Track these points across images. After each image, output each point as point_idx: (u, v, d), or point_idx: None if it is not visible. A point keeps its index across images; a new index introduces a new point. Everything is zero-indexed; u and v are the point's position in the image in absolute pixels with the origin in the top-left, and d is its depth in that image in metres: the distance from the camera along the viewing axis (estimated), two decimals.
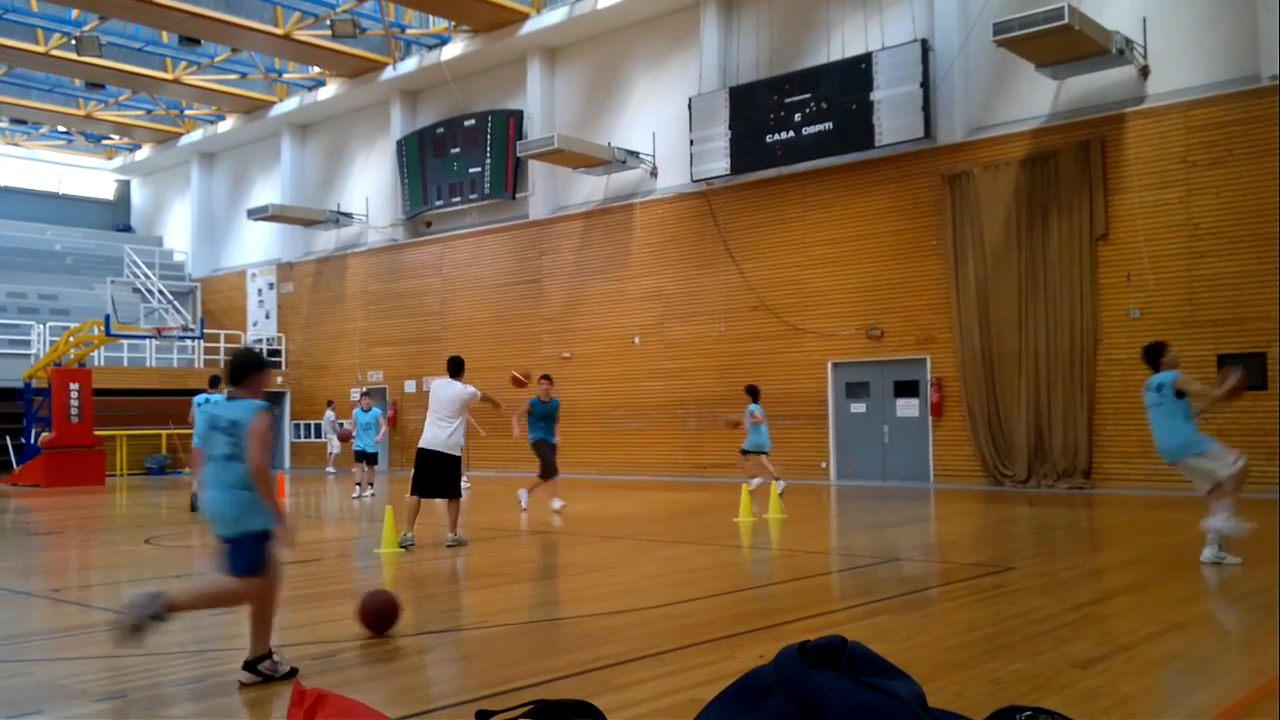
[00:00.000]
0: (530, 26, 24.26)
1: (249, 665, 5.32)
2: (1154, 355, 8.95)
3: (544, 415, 14.83)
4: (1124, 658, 5.46)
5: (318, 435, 29.37)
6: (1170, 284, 16.37)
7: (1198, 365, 16.04)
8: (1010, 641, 5.88)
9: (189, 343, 29.50)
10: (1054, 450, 17.22)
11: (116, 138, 35.32)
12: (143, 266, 31.08)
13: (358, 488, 18.51)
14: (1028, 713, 2.00)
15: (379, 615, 6.25)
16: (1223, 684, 4.90)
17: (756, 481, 15.47)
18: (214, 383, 18.00)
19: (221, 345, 30.89)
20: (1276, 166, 15.44)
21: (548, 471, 14.63)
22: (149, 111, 32.62)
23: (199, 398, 16.50)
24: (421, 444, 11.02)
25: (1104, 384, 16.91)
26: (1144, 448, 16.40)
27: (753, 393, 16.24)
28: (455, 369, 11.37)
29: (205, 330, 29.22)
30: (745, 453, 16.27)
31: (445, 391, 11.03)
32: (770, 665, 1.60)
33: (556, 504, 14.59)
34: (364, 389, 20.31)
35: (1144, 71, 16.80)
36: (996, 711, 2.21)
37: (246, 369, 5.58)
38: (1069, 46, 16.05)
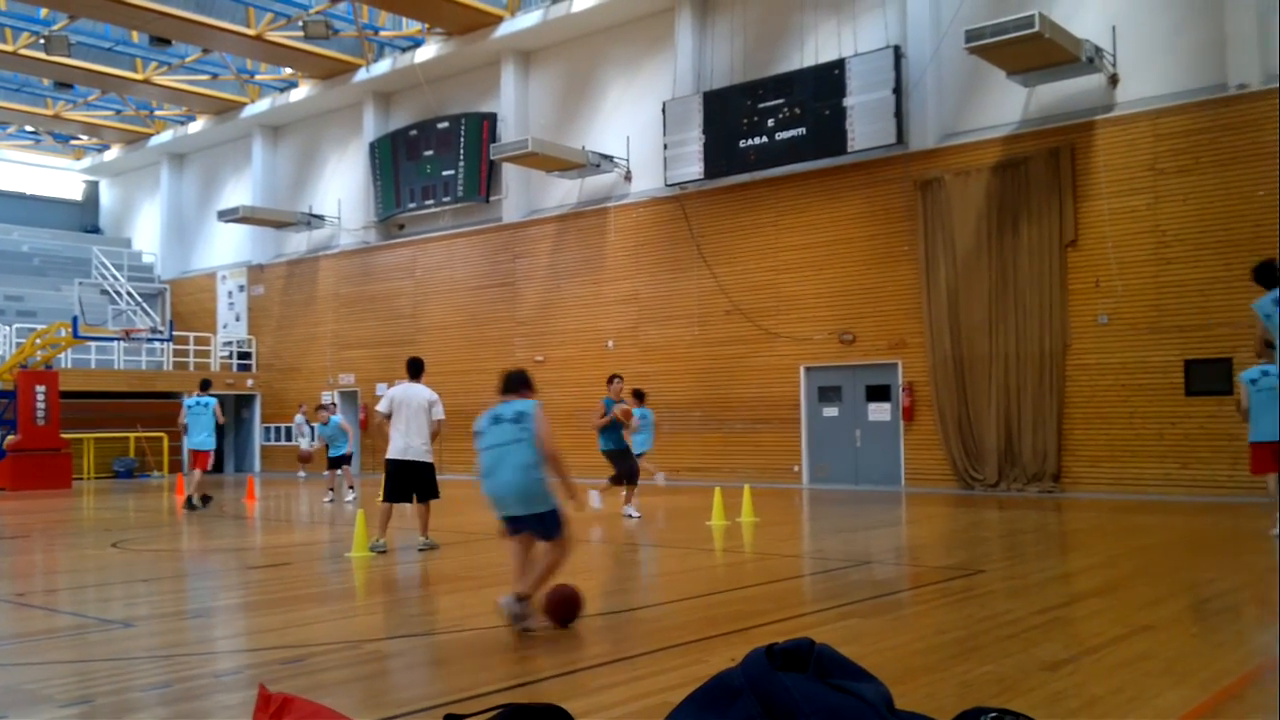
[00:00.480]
0: (504, 29, 24.23)
1: (517, 598, 6.37)
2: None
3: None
4: (1092, 659, 5.51)
5: (288, 438, 29.18)
6: (1138, 290, 16.55)
7: (1165, 370, 16.24)
8: (980, 644, 5.92)
9: (158, 345, 29.23)
10: (1024, 454, 17.35)
11: (85, 138, 34.97)
12: (111, 268, 30.81)
13: (330, 493, 18.39)
14: (993, 714, 2.01)
15: (564, 604, 6.54)
16: (1190, 684, 4.95)
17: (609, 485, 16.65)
18: (204, 386, 17.94)
19: (191, 348, 30.64)
20: (1242, 174, 15.65)
21: (624, 477, 14.15)
22: (118, 112, 32.32)
23: (189, 400, 16.50)
24: (392, 454, 10.81)
25: (1073, 389, 17.07)
26: (1112, 452, 16.63)
27: (639, 396, 17.35)
28: (416, 371, 11.18)
29: (174, 332, 28.97)
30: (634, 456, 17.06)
31: (412, 397, 10.86)
32: (739, 668, 1.61)
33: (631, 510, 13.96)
34: (319, 404, 20.09)
35: (1113, 80, 16.98)
36: (962, 713, 2.22)
37: (519, 383, 7.21)
38: (1039, 54, 16.20)
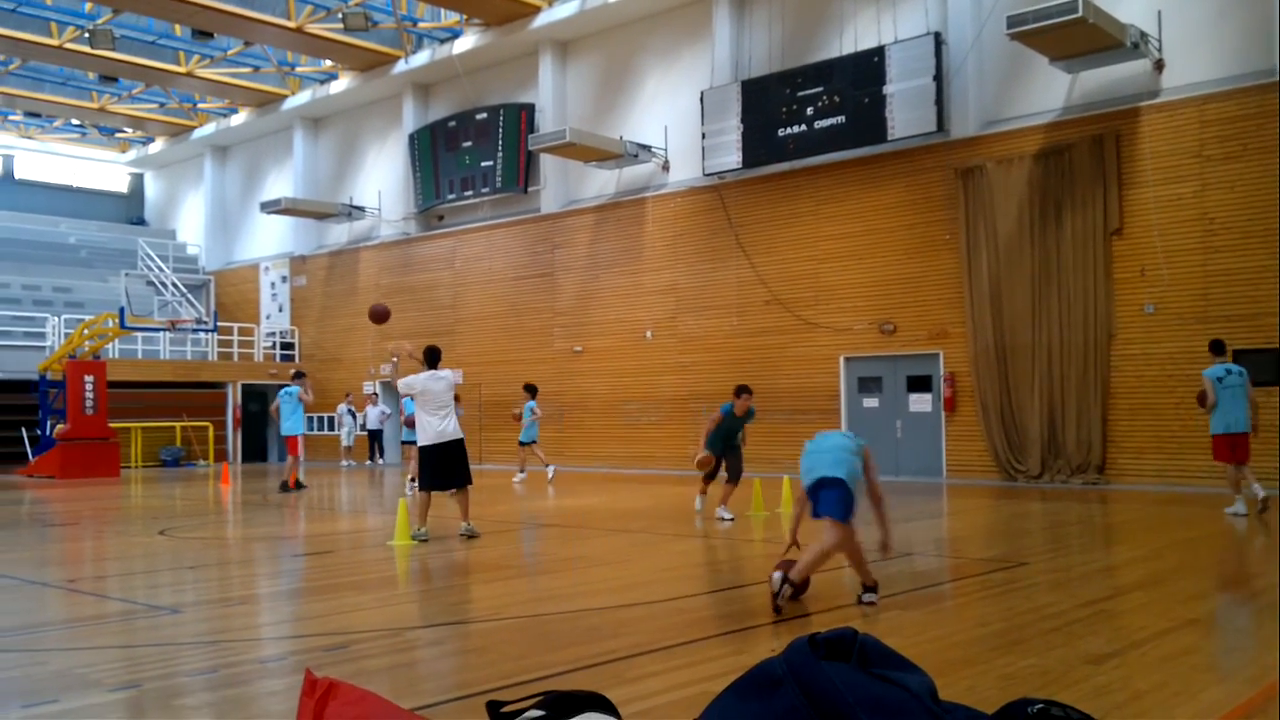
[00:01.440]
0: (542, 20, 24.24)
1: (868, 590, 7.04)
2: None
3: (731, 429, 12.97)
4: (1137, 653, 5.45)
5: (330, 428, 29.47)
6: (1185, 279, 16.29)
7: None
8: (1022, 637, 5.87)
9: (202, 335, 29.61)
10: (1067, 445, 17.16)
11: (130, 131, 35.44)
12: (156, 259, 31.21)
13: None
14: (1039, 705, 1.99)
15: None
16: (1236, 680, 4.89)
17: (520, 476, 19.08)
18: (296, 376, 18.33)
19: (235, 338, 31.01)
20: None
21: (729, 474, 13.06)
22: (162, 105, 32.72)
23: (283, 391, 17.28)
24: (429, 439, 10.91)
25: (1118, 379, 16.85)
26: (1158, 443, 16.40)
27: (531, 390, 19.55)
28: (435, 359, 11.41)
29: (218, 323, 29.35)
30: (522, 444, 19.40)
31: (439, 383, 11.09)
32: (781, 657, 1.60)
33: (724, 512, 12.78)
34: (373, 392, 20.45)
35: (1158, 65, 16.70)
36: (1008, 704, 2.21)
37: None
38: (1083, 40, 15.97)
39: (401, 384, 11.32)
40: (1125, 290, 16.85)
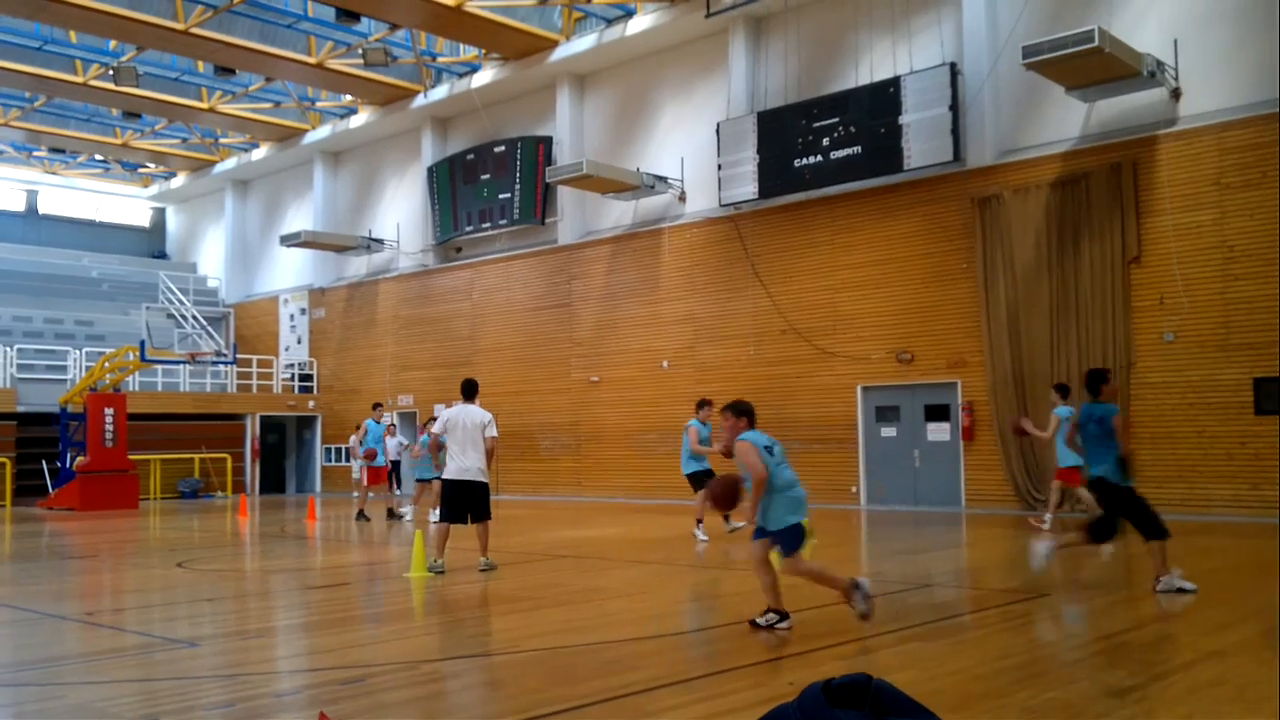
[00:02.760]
0: (559, 54, 24.46)
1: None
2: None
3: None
4: (1160, 686, 5.38)
5: (349, 459, 29.51)
6: (1204, 307, 16.20)
7: (1234, 389, 15.87)
8: (1044, 669, 5.80)
9: (222, 368, 29.78)
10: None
11: (152, 166, 35.84)
12: (177, 293, 31.53)
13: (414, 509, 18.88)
14: None
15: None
16: (1263, 712, 4.81)
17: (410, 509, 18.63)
18: (375, 408, 18.83)
19: (254, 370, 31.17)
20: None
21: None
22: (184, 140, 33.11)
23: (370, 423, 18.69)
24: (450, 474, 10.90)
25: (1138, 407, 16.72)
26: (1179, 472, 16.25)
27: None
28: (471, 392, 11.28)
29: (238, 355, 29.53)
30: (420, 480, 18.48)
31: (468, 418, 10.95)
32: (795, 703, 1.59)
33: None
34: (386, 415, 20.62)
35: (1175, 93, 16.70)
36: None
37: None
38: (1099, 69, 15.98)
39: (437, 422, 11.21)
40: (1144, 319, 16.76)
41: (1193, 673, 5.64)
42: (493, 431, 11.01)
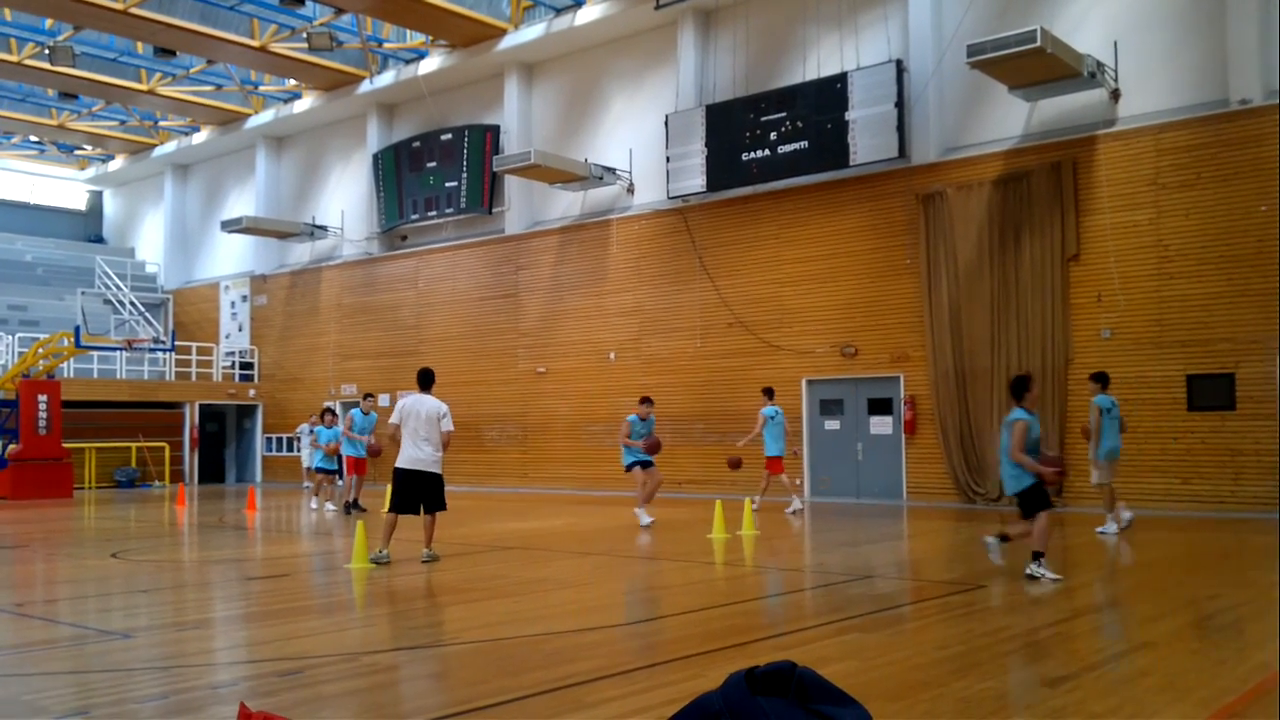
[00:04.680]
0: (508, 42, 24.30)
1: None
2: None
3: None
4: (1092, 676, 5.49)
5: (290, 449, 29.18)
6: (1140, 305, 16.54)
7: (1167, 385, 16.23)
8: (980, 660, 5.90)
9: (160, 355, 29.26)
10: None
11: (89, 148, 35.06)
12: (114, 278, 30.85)
13: (330, 503, 18.44)
14: None
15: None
16: (1190, 701, 4.93)
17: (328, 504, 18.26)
18: (366, 397, 18.51)
19: (193, 358, 30.65)
20: (1244, 189, 15.65)
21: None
22: (122, 122, 32.41)
23: (356, 412, 17.96)
24: (401, 463, 10.79)
25: (1075, 403, 17.03)
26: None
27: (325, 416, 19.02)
28: (427, 382, 11.18)
29: (176, 342, 29.01)
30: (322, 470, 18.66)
31: (422, 407, 10.86)
32: (718, 691, 1.60)
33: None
34: (324, 409, 20.05)
35: (1115, 94, 17.00)
36: None
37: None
38: (1041, 69, 16.23)
39: (392, 416, 11.10)
40: (1082, 315, 17.07)
41: (1124, 663, 5.77)
42: (448, 425, 10.92)
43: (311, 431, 27.64)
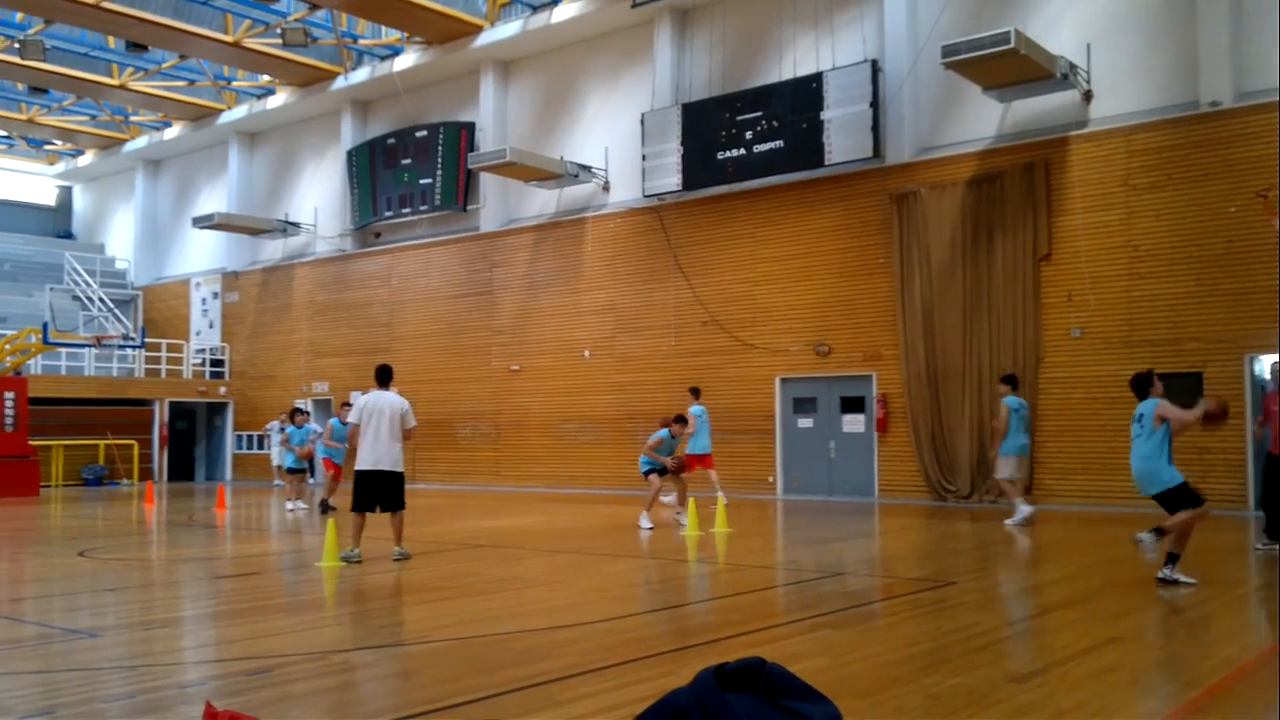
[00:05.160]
0: (484, 39, 24.22)
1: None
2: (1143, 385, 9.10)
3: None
4: (1060, 672, 5.53)
5: (261, 446, 28.97)
6: (1110, 304, 16.68)
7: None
8: (950, 656, 5.93)
9: (129, 352, 29.00)
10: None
11: (59, 143, 34.67)
12: (83, 274, 30.55)
13: (291, 501, 18.24)
14: None
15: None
16: (1156, 697, 4.98)
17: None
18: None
19: (163, 355, 30.38)
20: (1214, 190, 15.81)
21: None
22: (93, 117, 32.07)
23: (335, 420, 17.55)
24: (362, 465, 10.66)
25: (1045, 402, 17.17)
26: (1083, 464, 16.73)
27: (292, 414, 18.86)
28: (386, 378, 11.03)
29: (146, 339, 28.76)
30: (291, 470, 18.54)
31: (383, 405, 10.75)
32: (687, 688, 1.60)
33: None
34: (292, 409, 19.77)
35: (1087, 96, 17.14)
36: None
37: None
38: (1015, 70, 16.33)
39: (350, 415, 11.03)
40: (1053, 315, 17.20)
41: (1092, 658, 5.81)
42: (411, 421, 10.86)
43: (282, 430, 27.56)
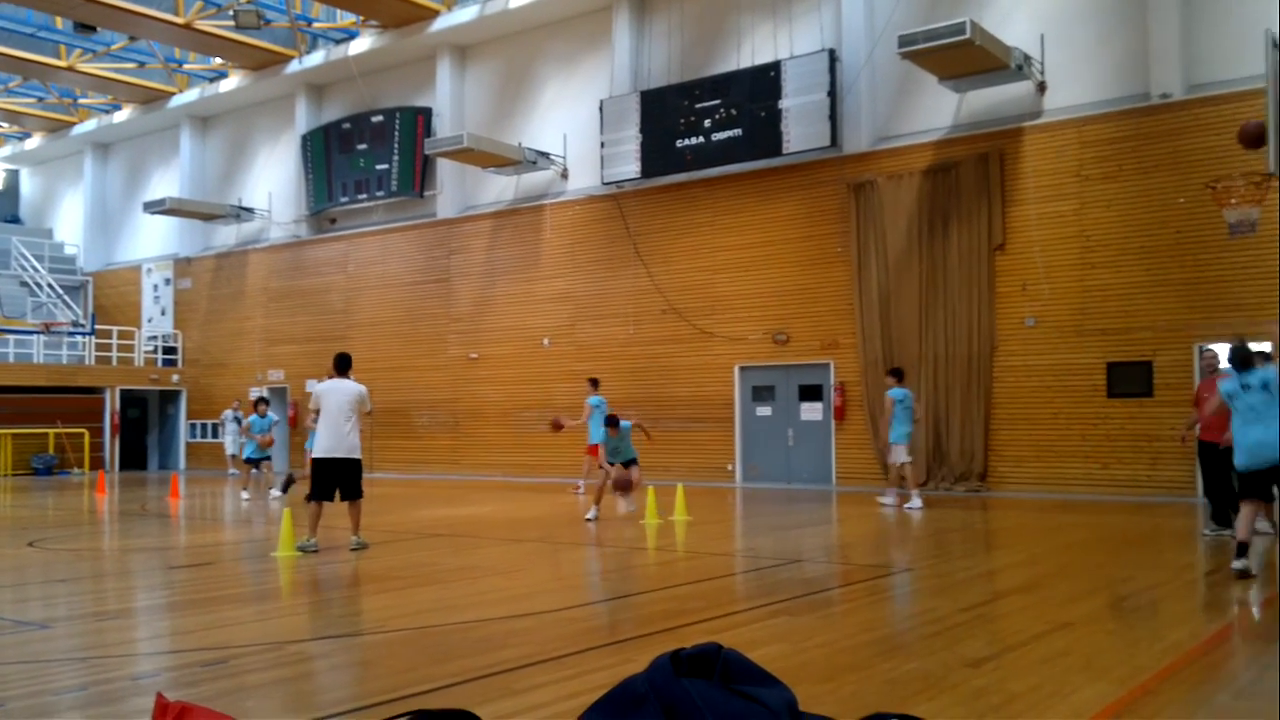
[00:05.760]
0: (440, 24, 24.01)
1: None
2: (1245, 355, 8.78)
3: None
4: (1013, 656, 5.61)
5: (214, 435, 28.64)
6: (1063, 294, 16.90)
7: (1088, 372, 16.62)
8: (905, 641, 6.00)
9: (79, 339, 28.52)
10: (951, 454, 17.63)
11: (5, 126, 33.92)
12: (31, 259, 30.00)
13: (245, 491, 18.04)
14: (893, 718, 2.03)
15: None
16: (1107, 680, 5.06)
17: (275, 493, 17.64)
18: (595, 384, 17.46)
19: (114, 342, 29.90)
20: (1164, 181, 16.06)
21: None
22: (40, 100, 31.43)
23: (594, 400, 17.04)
24: (319, 452, 10.64)
25: (1000, 390, 17.38)
26: (1036, 452, 16.97)
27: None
28: (344, 366, 11.01)
29: (96, 326, 28.31)
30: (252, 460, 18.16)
31: (339, 393, 10.70)
32: (644, 674, 1.61)
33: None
34: (260, 398, 19.36)
35: (1041, 87, 17.32)
36: (865, 718, 2.24)
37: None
38: (970, 61, 16.47)
39: (310, 403, 10.97)
40: (1007, 304, 17.40)
41: (1044, 643, 5.90)
42: (368, 407, 10.83)
43: (236, 418, 27.24)
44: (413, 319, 25.21)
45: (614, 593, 8.23)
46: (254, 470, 18.30)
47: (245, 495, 17.78)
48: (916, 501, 14.57)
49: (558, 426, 16.33)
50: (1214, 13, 15.93)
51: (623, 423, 14.02)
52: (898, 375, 15.22)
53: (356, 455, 10.71)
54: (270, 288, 28.28)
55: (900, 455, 14.82)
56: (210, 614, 7.39)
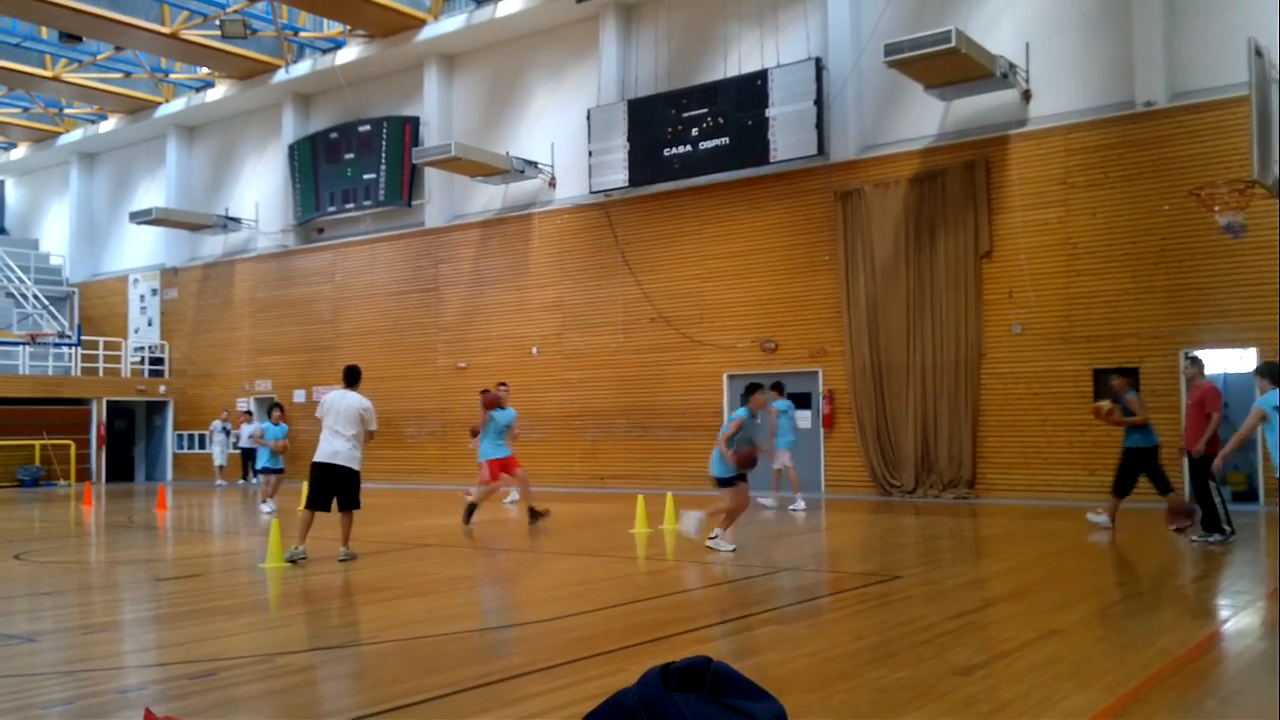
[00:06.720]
0: (427, 33, 24.02)
1: None
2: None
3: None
4: (1003, 664, 5.63)
5: (202, 446, 28.53)
6: (1050, 301, 16.97)
7: (1075, 379, 16.68)
8: (895, 649, 6.00)
9: (65, 349, 28.38)
10: (940, 461, 17.67)
11: None
12: (16, 270, 29.85)
13: (266, 504, 17.74)
14: None
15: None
16: (1097, 687, 5.08)
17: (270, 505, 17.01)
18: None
19: (100, 353, 29.76)
20: (1149, 188, 16.15)
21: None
22: (26, 109, 31.33)
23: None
24: (319, 458, 10.62)
25: (987, 397, 17.43)
26: (1024, 458, 17.01)
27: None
28: (352, 379, 11.01)
29: (83, 337, 28.18)
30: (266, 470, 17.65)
31: (343, 403, 10.70)
32: (634, 688, 1.61)
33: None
34: (272, 406, 19.14)
35: (1026, 95, 17.41)
36: None
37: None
38: (956, 69, 16.55)
39: (317, 412, 10.99)
40: (994, 311, 17.47)
41: (1033, 650, 5.92)
42: (373, 425, 10.75)
43: (224, 429, 27.14)
44: (400, 328, 25.17)
45: (604, 602, 8.22)
46: (254, 479, 18.08)
47: (266, 508, 16.98)
48: (799, 503, 15.82)
49: (476, 434, 15.98)
50: (1198, 21, 16.05)
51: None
52: (779, 388, 16.03)
53: (356, 466, 10.68)
54: (257, 298, 28.20)
55: (785, 460, 15.91)
56: (199, 626, 7.35)
